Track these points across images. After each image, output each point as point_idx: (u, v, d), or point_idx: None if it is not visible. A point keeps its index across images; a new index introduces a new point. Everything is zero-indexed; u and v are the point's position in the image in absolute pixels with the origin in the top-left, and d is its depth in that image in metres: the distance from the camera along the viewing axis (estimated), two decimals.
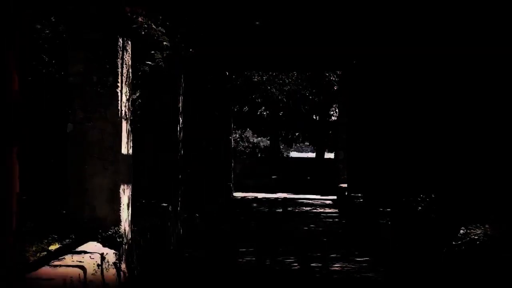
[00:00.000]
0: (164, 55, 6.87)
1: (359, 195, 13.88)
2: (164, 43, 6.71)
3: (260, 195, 18.92)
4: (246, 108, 23.49)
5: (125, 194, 6.12)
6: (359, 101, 14.60)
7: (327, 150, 26.20)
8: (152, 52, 6.81)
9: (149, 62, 6.50)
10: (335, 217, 13.88)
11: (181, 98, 9.19)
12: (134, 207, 7.92)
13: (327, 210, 15.29)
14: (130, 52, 6.31)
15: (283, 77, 20.76)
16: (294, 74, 20.76)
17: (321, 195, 19.31)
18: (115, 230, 5.92)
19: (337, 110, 22.07)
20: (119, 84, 6.02)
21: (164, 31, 6.64)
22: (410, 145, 9.96)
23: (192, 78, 11.45)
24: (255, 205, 16.39)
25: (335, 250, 9.04)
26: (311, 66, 17.72)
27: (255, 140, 28.54)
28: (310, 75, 21.32)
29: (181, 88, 9.18)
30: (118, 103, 6.01)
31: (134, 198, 8.61)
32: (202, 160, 11.87)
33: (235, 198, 18.00)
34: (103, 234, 5.87)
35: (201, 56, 11.66)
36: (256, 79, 20.51)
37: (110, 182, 5.97)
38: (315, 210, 15.11)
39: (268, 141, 26.71)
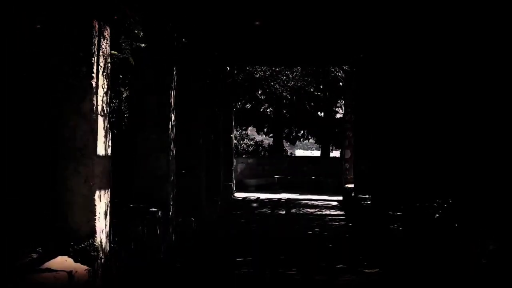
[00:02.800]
0: (134, 45, 6.06)
1: (367, 196, 13.12)
2: (136, 31, 5.91)
3: (263, 196, 18.15)
4: (249, 105, 22.71)
5: (101, 201, 5.35)
6: (367, 97, 13.85)
7: (334, 147, 25.42)
8: (121, 41, 6.01)
9: (114, 52, 5.70)
10: (341, 219, 13.10)
11: (173, 92, 8.41)
12: (120, 213, 7.18)
13: (333, 212, 14.51)
14: (108, 39, 5.54)
15: (287, 72, 19.95)
16: (298, 69, 19.94)
17: (327, 195, 18.53)
18: (89, 242, 5.16)
19: (343, 107, 21.26)
20: (94, 75, 5.25)
21: (137, 19, 5.85)
22: (423, 144, 9.17)
23: (188, 72, 10.71)
24: (257, 206, 15.64)
25: (341, 259, 8.28)
26: (316, 61, 16.91)
27: (258, 138, 27.74)
28: (315, 71, 20.51)
29: (173, 82, 8.40)
30: (94, 97, 5.24)
31: (121, 203, 7.89)
32: (200, 159, 11.09)
33: (236, 198, 17.23)
34: (75, 247, 5.11)
35: (198, 48, 10.92)
36: (259, 75, 19.73)
37: (83, 187, 5.20)
38: (320, 212, 14.33)
39: (272, 139, 25.92)
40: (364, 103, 14.36)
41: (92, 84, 5.23)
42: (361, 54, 14.08)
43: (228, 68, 17.09)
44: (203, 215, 11.07)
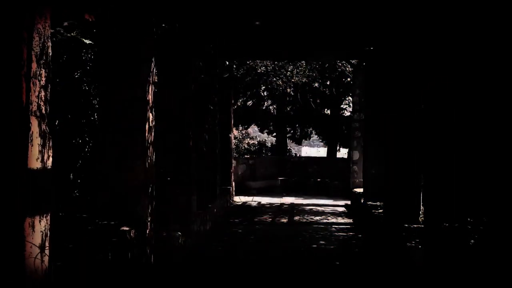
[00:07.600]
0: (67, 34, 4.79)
1: (378, 204, 11.83)
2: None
3: (265, 200, 16.84)
4: (250, 102, 21.39)
5: (35, 230, 4.06)
6: (378, 93, 12.58)
7: (341, 147, 24.11)
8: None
9: (60, 28, 4.43)
10: (350, 229, 11.79)
11: (151, 87, 7.11)
12: (83, 234, 5.94)
13: (340, 220, 13.20)
14: (48, 17, 4.26)
15: (290, 67, 18.61)
16: (303, 64, 18.59)
17: (333, 200, 17.21)
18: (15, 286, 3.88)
19: (350, 104, 19.91)
20: (24, 63, 3.96)
21: None
22: (443, 145, 7.84)
23: (176, 65, 9.44)
24: (257, 212, 14.33)
25: (350, 283, 7.01)
26: (322, 54, 15.57)
27: (262, 137, 26.42)
28: (321, 65, 19.18)
29: (151, 75, 7.09)
30: (23, 93, 3.96)
31: (89, 219, 6.65)
32: (189, 164, 9.79)
33: (236, 204, 15.92)
34: None
35: (186, 38, 9.63)
36: (260, 70, 18.41)
37: (9, 212, 3.92)
38: (326, 220, 13.02)
39: (275, 138, 24.58)
40: (375, 100, 13.11)
41: (21, 77, 3.94)
42: (371, 46, 12.78)
43: (227, 63, 15.81)
44: (194, 226, 9.79)
